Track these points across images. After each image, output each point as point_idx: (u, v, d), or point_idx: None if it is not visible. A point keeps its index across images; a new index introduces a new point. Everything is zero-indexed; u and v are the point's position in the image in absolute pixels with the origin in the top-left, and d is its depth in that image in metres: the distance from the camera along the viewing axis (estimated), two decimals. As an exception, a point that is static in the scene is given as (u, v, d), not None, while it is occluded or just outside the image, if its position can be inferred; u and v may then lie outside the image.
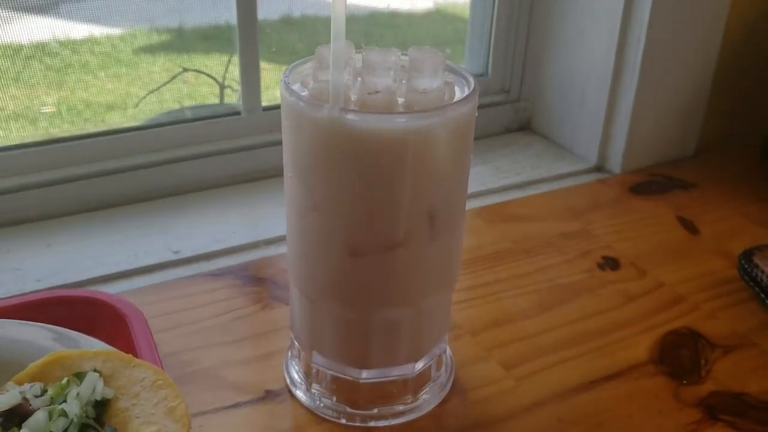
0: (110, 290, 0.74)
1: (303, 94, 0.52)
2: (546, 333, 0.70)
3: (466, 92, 0.53)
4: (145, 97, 1.07)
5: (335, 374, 0.58)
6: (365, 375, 0.58)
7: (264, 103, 0.98)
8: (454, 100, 0.52)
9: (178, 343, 0.67)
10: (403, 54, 0.55)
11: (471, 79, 0.54)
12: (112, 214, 0.88)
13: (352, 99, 0.52)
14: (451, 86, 0.54)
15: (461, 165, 0.53)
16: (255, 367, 0.64)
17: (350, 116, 0.48)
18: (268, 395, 0.61)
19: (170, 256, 0.80)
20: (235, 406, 0.60)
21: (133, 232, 0.85)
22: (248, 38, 0.93)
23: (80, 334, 0.59)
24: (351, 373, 0.58)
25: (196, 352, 0.65)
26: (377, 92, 0.51)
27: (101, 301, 0.66)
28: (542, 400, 0.62)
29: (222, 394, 0.61)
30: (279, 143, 0.97)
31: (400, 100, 0.52)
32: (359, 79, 0.53)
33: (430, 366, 0.60)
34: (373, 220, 0.51)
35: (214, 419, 0.58)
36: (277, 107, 0.99)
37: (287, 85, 0.52)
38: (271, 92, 1.03)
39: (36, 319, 0.61)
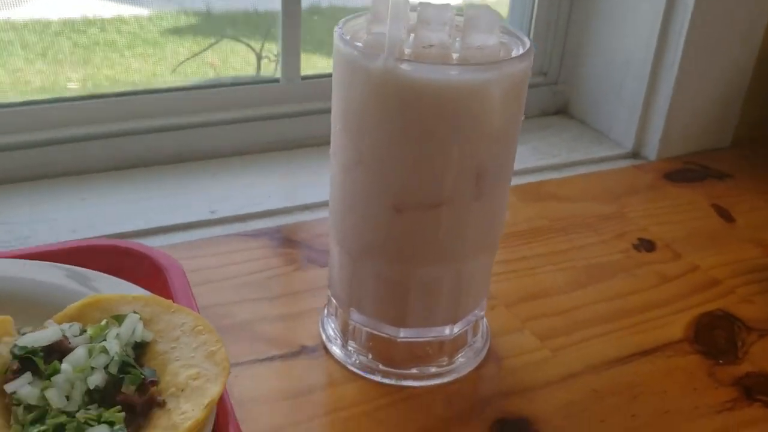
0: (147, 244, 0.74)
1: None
2: (581, 308, 0.69)
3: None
4: (183, 62, 1.07)
5: (372, 332, 0.57)
6: (402, 334, 0.57)
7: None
8: (509, 58, 0.51)
9: (213, 297, 0.66)
10: (458, 14, 0.53)
11: (527, 40, 0.53)
12: (151, 172, 0.88)
13: (406, 53, 0.51)
14: (507, 46, 0.53)
15: (513, 124, 0.52)
16: (290, 324, 0.64)
17: (404, 66, 0.47)
18: (303, 350, 0.60)
19: (207, 216, 0.80)
20: (270, 359, 0.59)
21: (170, 190, 0.84)
22: (291, 6, 0.93)
23: (97, 273, 0.59)
24: (388, 331, 0.57)
25: (232, 306, 0.65)
26: (431, 46, 0.50)
27: (140, 252, 0.66)
28: (578, 371, 0.60)
29: (257, 347, 0.60)
30: (317, 112, 0.97)
31: (455, 56, 0.51)
32: (413, 34, 0.52)
33: (466, 331, 0.59)
34: (419, 175, 0.51)
35: (249, 371, 0.58)
36: (316, 77, 0.99)
37: (341, 36, 0.51)
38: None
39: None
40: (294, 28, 0.94)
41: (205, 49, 1.08)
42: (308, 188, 0.87)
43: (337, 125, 0.53)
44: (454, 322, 0.57)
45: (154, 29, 1.05)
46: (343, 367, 0.59)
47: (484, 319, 0.64)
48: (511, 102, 0.50)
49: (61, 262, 0.61)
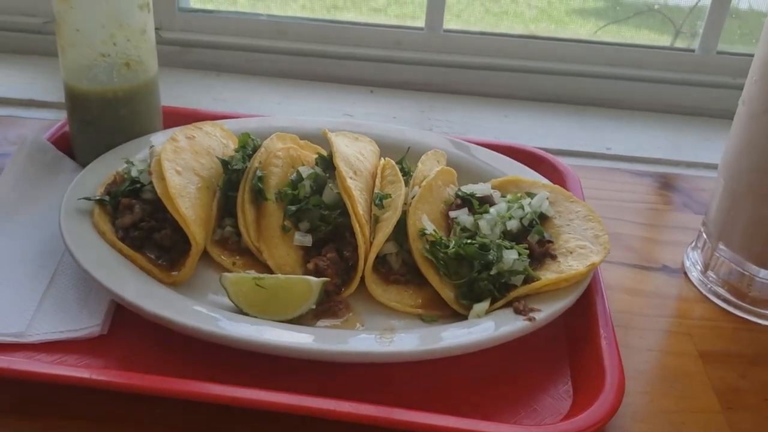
0: (547, 161, 0.87)
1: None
2: None
3: None
4: (603, 27, 1.18)
5: (735, 267, 0.63)
6: (763, 274, 0.61)
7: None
8: None
9: (598, 209, 0.76)
10: None
11: None
12: (559, 107, 1.01)
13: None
14: None
15: None
16: (657, 246, 0.71)
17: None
18: (665, 269, 0.68)
19: (602, 150, 0.90)
20: (635, 266, 0.68)
21: (573, 124, 0.97)
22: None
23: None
24: (750, 270, 0.62)
25: (611, 220, 0.74)
26: None
27: (547, 159, 0.79)
28: None
29: (626, 254, 0.69)
30: (726, 86, 1.00)
31: None
32: None
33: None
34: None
35: (618, 268, 0.67)
36: (735, 53, 1.02)
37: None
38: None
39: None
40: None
41: (624, 19, 1.18)
42: (694, 150, 0.93)
43: (754, 76, 0.59)
44: (819, 278, 0.60)
45: (561, 8, 1.17)
46: (698, 290, 0.65)
47: None
48: None
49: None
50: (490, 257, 0.56)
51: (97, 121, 0.71)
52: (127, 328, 0.54)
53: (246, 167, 0.62)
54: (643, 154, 0.90)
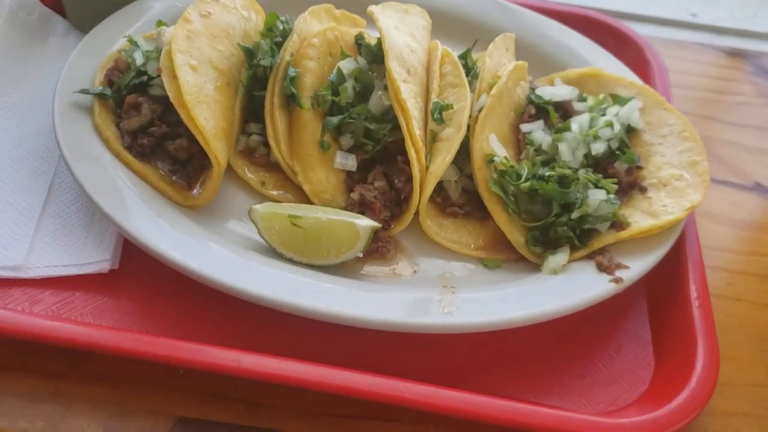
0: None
1: None
2: None
3: None
4: None
5: None
6: None
7: None
8: None
9: (679, 103, 0.65)
10: None
11: None
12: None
13: None
14: None
15: None
16: (747, 156, 0.61)
17: None
18: (758, 188, 0.59)
19: (686, 17, 0.76)
20: (724, 183, 0.59)
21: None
22: None
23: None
24: None
25: (695, 117, 0.64)
26: None
27: (632, 40, 0.66)
28: None
29: (714, 167, 0.59)
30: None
31: None
32: None
33: None
34: None
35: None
36: None
37: None
38: None
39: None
40: None
41: None
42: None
43: None
44: None
45: None
46: (796, 219, 0.57)
47: None
48: None
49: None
50: (572, 198, 0.46)
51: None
52: (142, 260, 0.46)
53: (275, 62, 0.51)
54: (736, 25, 0.76)
